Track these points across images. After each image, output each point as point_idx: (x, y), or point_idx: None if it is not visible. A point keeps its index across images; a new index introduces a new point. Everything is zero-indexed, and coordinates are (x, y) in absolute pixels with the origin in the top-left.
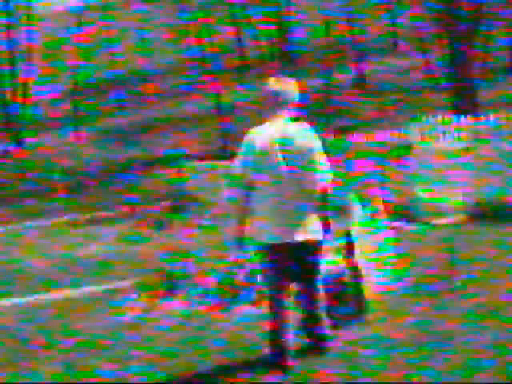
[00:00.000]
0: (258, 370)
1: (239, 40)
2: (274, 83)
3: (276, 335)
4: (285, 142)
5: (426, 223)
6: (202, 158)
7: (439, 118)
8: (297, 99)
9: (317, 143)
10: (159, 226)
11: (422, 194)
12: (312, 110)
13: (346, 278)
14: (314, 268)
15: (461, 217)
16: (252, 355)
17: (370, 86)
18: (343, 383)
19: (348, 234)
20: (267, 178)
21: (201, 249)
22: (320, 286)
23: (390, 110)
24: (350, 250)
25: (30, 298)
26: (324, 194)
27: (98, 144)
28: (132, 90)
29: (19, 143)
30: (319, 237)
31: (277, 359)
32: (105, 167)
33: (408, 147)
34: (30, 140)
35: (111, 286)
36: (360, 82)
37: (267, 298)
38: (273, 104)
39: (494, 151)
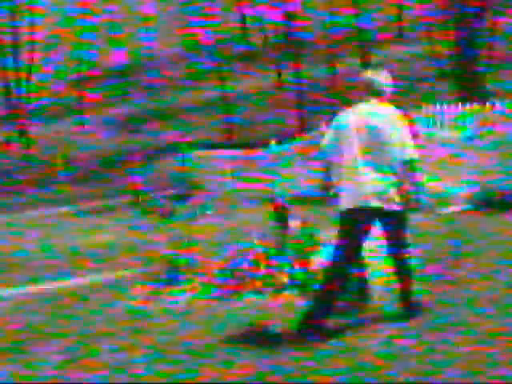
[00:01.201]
0: (262, 359)
1: (244, 28)
2: (369, 73)
3: (328, 305)
4: (366, 121)
5: (431, 212)
6: (207, 147)
7: (445, 106)
8: (389, 89)
9: (398, 122)
10: (164, 214)
11: (427, 182)
12: (317, 98)
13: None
14: (397, 236)
15: (466, 206)
16: (256, 344)
17: None
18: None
19: None
20: (349, 153)
21: (205, 237)
22: (406, 254)
23: (395, 98)
24: None
25: (34, 287)
26: (405, 169)
27: (101, 133)
28: (136, 78)
29: (23, 133)
30: (396, 207)
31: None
32: (109, 156)
33: (413, 136)
34: (33, 129)
35: (115, 275)
36: (365, 70)
37: (334, 265)
38: (365, 91)
39: (499, 140)
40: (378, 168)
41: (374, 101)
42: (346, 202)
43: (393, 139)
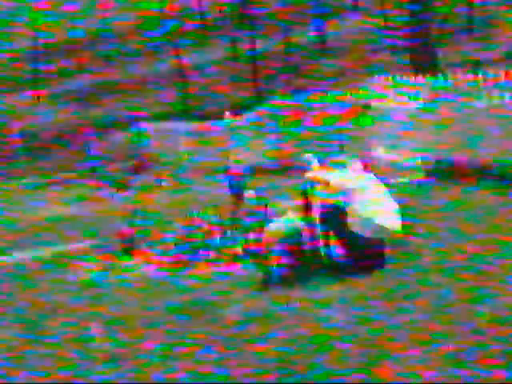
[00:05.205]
0: (216, 328)
1: (199, 0)
2: None
3: None
4: None
5: (385, 183)
6: (163, 119)
7: (397, 77)
8: None
9: None
10: (119, 187)
11: (381, 153)
12: (271, 70)
13: (304, 236)
14: None
15: (419, 176)
16: (210, 314)
17: (329, 45)
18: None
19: (304, 193)
20: None
21: (160, 209)
22: None
23: (349, 70)
24: (307, 208)
25: None
26: None
27: (57, 106)
28: (93, 51)
29: None
30: None
31: None
32: (65, 130)
33: (366, 107)
34: None
35: (70, 247)
36: (319, 41)
37: None
38: None
39: (451, 110)
40: None
41: None
42: None
43: None
